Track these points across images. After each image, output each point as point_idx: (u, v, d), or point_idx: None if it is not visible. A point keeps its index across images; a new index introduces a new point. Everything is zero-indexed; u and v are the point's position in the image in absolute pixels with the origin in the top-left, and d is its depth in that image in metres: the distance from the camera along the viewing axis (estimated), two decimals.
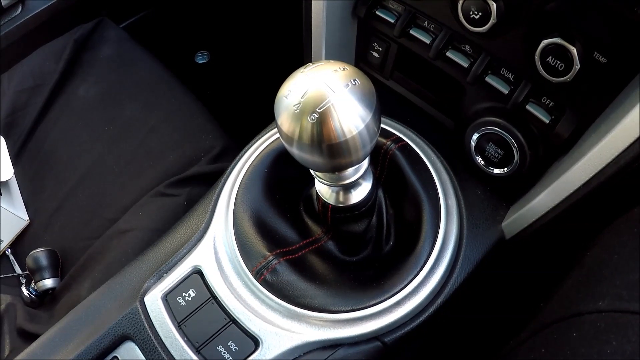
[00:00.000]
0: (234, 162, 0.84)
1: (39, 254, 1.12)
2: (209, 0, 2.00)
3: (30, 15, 1.46)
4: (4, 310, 1.06)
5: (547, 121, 0.68)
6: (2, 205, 1.18)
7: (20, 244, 1.23)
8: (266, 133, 0.86)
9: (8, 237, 1.21)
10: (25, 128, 1.33)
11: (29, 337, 1.01)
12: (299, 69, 0.55)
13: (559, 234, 0.73)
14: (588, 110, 0.65)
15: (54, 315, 1.07)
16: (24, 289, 1.13)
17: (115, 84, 1.37)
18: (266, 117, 0.88)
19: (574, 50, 0.59)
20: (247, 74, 1.98)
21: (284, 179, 0.81)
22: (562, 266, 0.63)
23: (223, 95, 1.88)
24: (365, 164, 0.65)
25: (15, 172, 1.26)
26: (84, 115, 1.33)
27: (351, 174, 0.64)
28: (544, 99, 0.69)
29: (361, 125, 0.53)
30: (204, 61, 2.06)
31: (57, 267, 1.14)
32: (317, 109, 0.51)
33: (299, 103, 0.52)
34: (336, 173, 0.62)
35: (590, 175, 0.62)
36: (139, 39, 1.49)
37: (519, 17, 0.65)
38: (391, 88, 0.92)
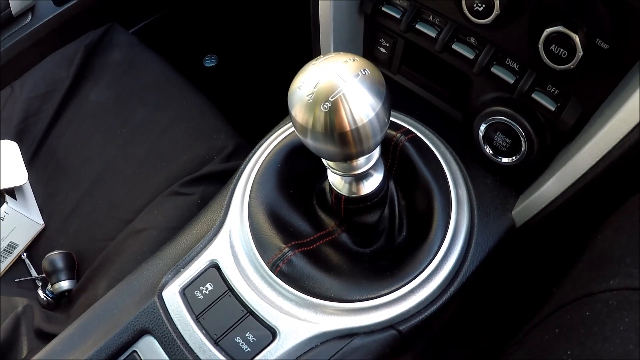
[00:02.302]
0: (247, 158, 0.85)
1: (55, 256, 1.13)
2: (216, 4, 2.03)
3: (41, 22, 1.48)
4: (21, 312, 1.07)
5: (553, 109, 0.69)
6: (17, 209, 1.20)
7: (36, 247, 1.24)
8: (278, 130, 0.87)
9: (23, 241, 1.22)
10: (38, 134, 1.35)
11: (46, 337, 1.02)
12: (311, 61, 0.57)
13: (570, 219, 0.74)
14: (592, 96, 0.66)
15: (71, 316, 1.08)
16: (40, 292, 1.15)
17: (126, 87, 1.39)
18: (276, 117, 0.90)
19: (577, 38, 0.60)
20: (254, 76, 2.00)
21: (296, 174, 0.82)
22: (574, 251, 0.64)
23: (232, 97, 1.90)
24: (376, 154, 0.66)
25: (29, 177, 1.28)
26: (97, 119, 1.35)
27: (363, 163, 0.65)
28: (549, 87, 0.70)
29: (372, 114, 0.54)
30: (212, 64, 2.08)
31: (73, 269, 1.16)
32: (329, 98, 0.53)
33: (312, 93, 0.53)
34: (348, 162, 0.64)
35: (597, 160, 0.63)
36: (148, 44, 1.51)
37: (522, 8, 0.67)
38: (399, 83, 0.93)
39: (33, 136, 1.36)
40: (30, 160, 1.34)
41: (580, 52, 0.61)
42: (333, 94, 0.52)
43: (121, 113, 1.34)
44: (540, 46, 0.65)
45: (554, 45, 0.63)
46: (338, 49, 0.90)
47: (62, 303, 1.15)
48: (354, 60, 0.55)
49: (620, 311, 0.46)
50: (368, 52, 0.94)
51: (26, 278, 1.20)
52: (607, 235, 0.59)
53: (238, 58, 2.08)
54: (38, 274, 1.20)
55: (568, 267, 0.63)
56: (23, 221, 1.21)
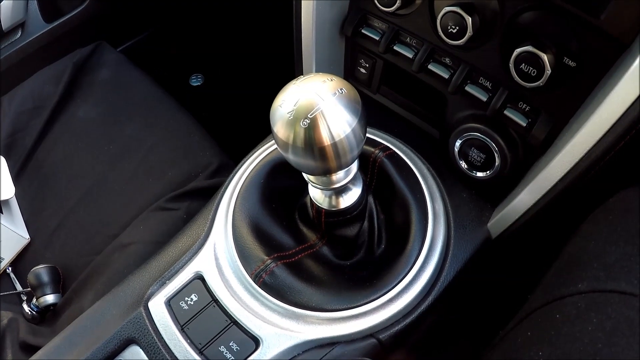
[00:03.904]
0: (232, 174, 0.87)
1: (41, 270, 1.13)
2: (202, 25, 2.06)
3: (30, 39, 1.50)
4: (6, 325, 1.07)
5: (525, 124, 0.73)
6: (3, 223, 1.20)
7: (21, 262, 1.24)
8: (261, 147, 0.90)
9: (9, 255, 1.22)
10: (25, 149, 1.36)
11: (31, 350, 1.01)
12: (291, 81, 0.60)
13: (543, 229, 0.76)
14: (562, 111, 0.69)
15: (56, 329, 1.08)
16: (25, 306, 1.14)
17: (114, 105, 1.40)
18: (259, 135, 0.92)
19: (545, 57, 0.64)
20: (239, 95, 2.02)
21: (279, 189, 0.85)
22: (547, 260, 0.67)
23: (217, 115, 1.92)
24: (354, 168, 0.68)
25: (15, 192, 1.28)
26: (84, 136, 1.36)
27: (342, 177, 0.67)
28: (520, 104, 0.73)
29: (348, 130, 0.57)
30: (198, 84, 2.11)
31: (59, 283, 1.16)
32: (308, 115, 0.56)
33: (292, 110, 0.56)
34: (328, 176, 0.66)
35: (566, 171, 0.66)
36: (135, 63, 1.53)
37: (493, 29, 0.70)
38: (379, 102, 0.96)
39: (20, 151, 1.36)
40: (17, 175, 1.35)
41: (548, 70, 0.65)
42: (312, 111, 0.55)
43: (109, 130, 1.36)
44: (511, 65, 0.68)
45: (523, 64, 0.67)
46: (320, 69, 0.93)
47: (47, 317, 1.15)
48: (331, 80, 0.58)
49: (588, 312, 0.49)
50: (349, 73, 0.98)
51: (11, 292, 1.19)
52: (576, 242, 0.61)
53: (223, 78, 2.11)
54: (23, 288, 1.19)
55: (542, 274, 0.65)
56: (9, 235, 1.21)
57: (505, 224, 0.78)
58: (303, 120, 0.56)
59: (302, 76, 0.60)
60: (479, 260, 0.80)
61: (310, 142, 0.57)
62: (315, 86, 0.57)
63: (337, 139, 0.57)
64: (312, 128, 0.56)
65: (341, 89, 0.58)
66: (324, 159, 0.59)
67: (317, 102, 0.56)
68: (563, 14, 0.63)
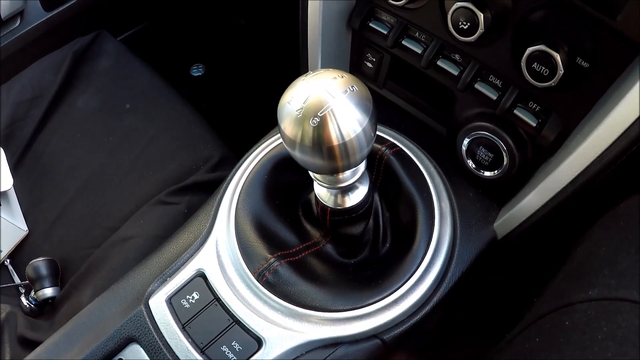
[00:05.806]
0: (235, 169, 0.86)
1: (39, 263, 1.12)
2: (203, 14, 2.04)
3: (29, 27, 1.48)
4: (5, 319, 1.06)
5: (534, 124, 0.71)
6: (1, 215, 1.19)
7: (20, 254, 1.23)
8: (265, 141, 0.88)
9: (7, 247, 1.21)
10: (24, 139, 1.35)
11: (30, 345, 1.02)
12: (300, 77, 0.58)
13: (550, 231, 0.76)
14: (573, 112, 0.68)
15: (54, 323, 1.07)
16: (23, 299, 1.14)
17: (114, 95, 1.39)
18: (261, 127, 0.91)
19: (558, 57, 0.62)
20: (240, 86, 2.01)
21: (283, 185, 0.83)
22: (554, 263, 0.66)
23: (218, 106, 1.91)
24: (361, 167, 0.67)
25: (14, 183, 1.27)
26: (83, 126, 1.34)
27: (349, 177, 0.66)
28: (530, 104, 0.72)
29: (359, 129, 0.56)
30: (199, 74, 2.09)
31: (57, 276, 1.15)
32: (318, 113, 0.54)
33: (301, 108, 0.55)
34: (335, 175, 0.65)
35: (576, 174, 0.65)
36: (135, 52, 1.51)
37: (505, 27, 0.69)
38: (385, 97, 0.95)
39: (19, 142, 1.35)
40: (16, 166, 1.33)
41: (561, 71, 0.63)
42: (322, 110, 0.54)
43: (108, 121, 1.34)
44: (523, 64, 0.67)
45: (535, 64, 0.65)
46: (325, 62, 0.92)
47: (46, 310, 1.14)
48: (342, 76, 0.57)
49: (599, 321, 0.48)
50: (355, 66, 0.96)
51: (9, 284, 1.18)
52: (586, 247, 0.60)
53: (225, 68, 2.09)
54: (21, 281, 1.19)
55: (549, 277, 0.64)
56: (7, 227, 1.20)
57: (512, 224, 0.77)
58: (312, 119, 0.54)
59: (311, 72, 0.58)
60: (484, 260, 0.79)
61: (319, 141, 0.55)
62: (326, 83, 0.56)
63: (346, 138, 0.55)
64: (321, 127, 0.54)
65: (352, 87, 0.56)
66: (333, 159, 0.57)
67: (327, 100, 0.54)
68: (577, 14, 0.62)
